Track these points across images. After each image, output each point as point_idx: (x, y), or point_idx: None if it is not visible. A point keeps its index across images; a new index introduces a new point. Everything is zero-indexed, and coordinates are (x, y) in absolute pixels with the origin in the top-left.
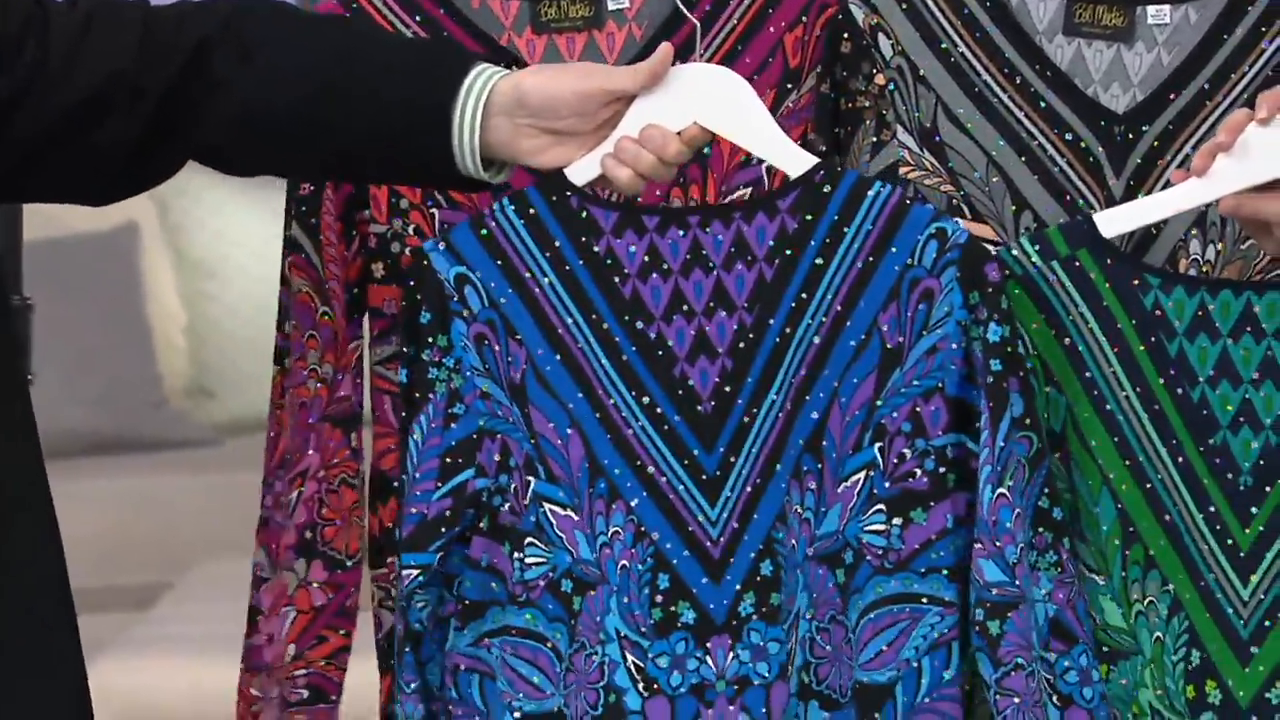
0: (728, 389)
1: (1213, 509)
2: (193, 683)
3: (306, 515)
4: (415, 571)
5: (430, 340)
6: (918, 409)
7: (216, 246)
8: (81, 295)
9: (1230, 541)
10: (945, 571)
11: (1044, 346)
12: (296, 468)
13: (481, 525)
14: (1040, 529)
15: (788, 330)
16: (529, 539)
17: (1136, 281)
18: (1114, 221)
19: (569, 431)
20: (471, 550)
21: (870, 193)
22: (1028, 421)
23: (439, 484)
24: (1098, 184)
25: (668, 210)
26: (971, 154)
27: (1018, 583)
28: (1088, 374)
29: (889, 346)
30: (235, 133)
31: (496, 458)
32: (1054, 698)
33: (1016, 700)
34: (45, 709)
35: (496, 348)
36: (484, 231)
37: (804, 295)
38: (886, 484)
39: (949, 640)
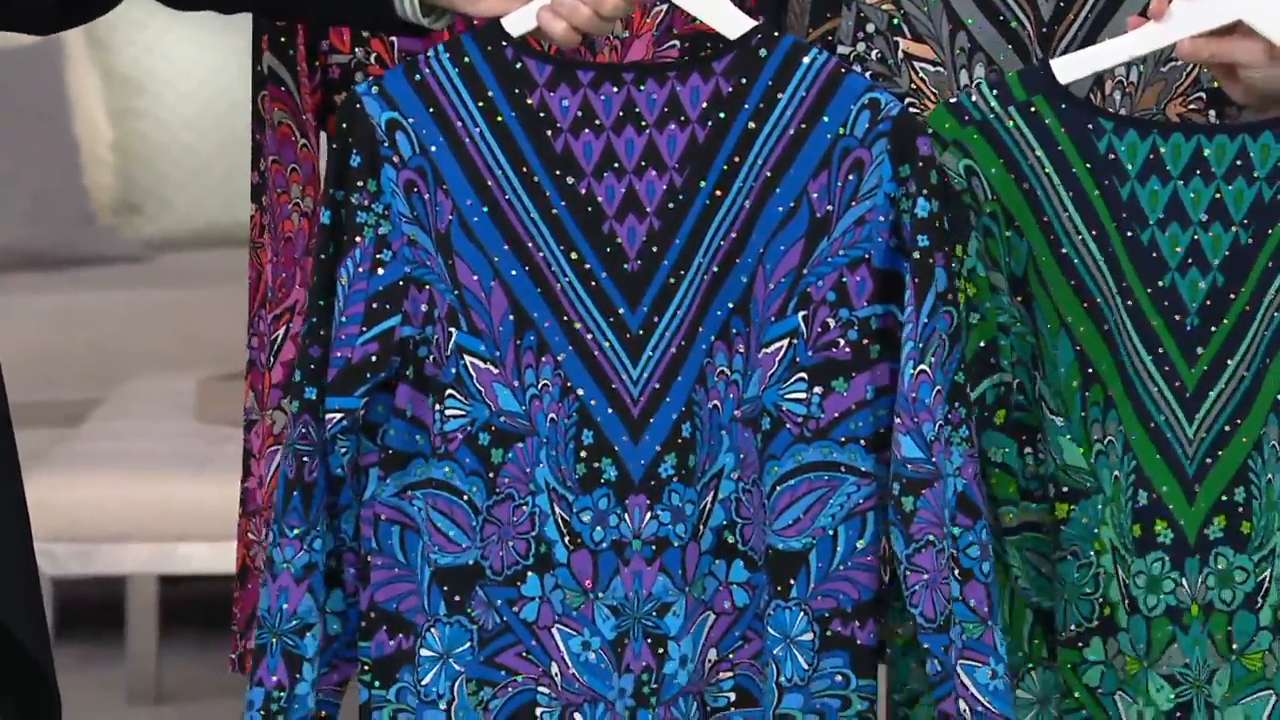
0: (654, 248)
1: (1161, 350)
2: (123, 497)
3: (295, 351)
4: (339, 416)
5: (359, 184)
6: (843, 279)
7: (143, 62)
8: (6, 110)
9: (1178, 382)
10: (863, 441)
11: (1003, 191)
12: (283, 304)
13: (408, 374)
14: (956, 404)
15: (718, 193)
16: (449, 391)
17: (1091, 126)
18: (1070, 67)
19: (493, 284)
20: (397, 399)
21: (805, 59)
22: (950, 296)
23: (364, 328)
24: (1028, 3)
25: (602, 66)
26: None
27: (934, 460)
28: (1045, 218)
29: (817, 215)
30: None
31: (423, 308)
32: (955, 571)
33: (925, 576)
34: None
35: (425, 196)
36: (418, 77)
37: (736, 159)
38: (809, 352)
39: (864, 510)
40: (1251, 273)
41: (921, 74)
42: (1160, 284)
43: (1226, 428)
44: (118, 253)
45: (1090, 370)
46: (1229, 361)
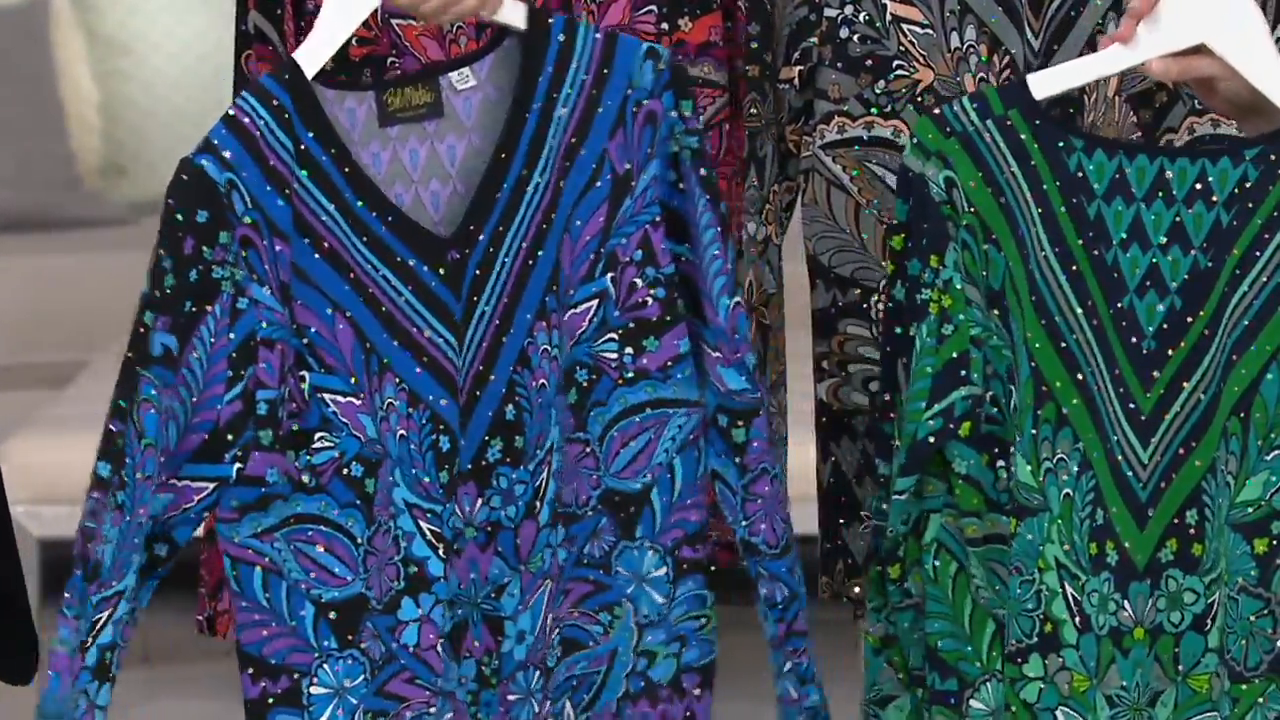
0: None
1: (1117, 371)
2: None
3: None
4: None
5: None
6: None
7: (129, 23)
8: None
9: (1133, 405)
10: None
11: (981, 204)
12: None
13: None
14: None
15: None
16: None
17: (1062, 144)
18: (1045, 83)
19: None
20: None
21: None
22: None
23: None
24: None
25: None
26: None
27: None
28: (1020, 232)
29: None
30: None
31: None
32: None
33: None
34: None
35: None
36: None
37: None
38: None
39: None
40: (1210, 297)
41: (910, 36)
42: (1120, 305)
43: (1181, 450)
44: (103, 215)
45: (1044, 388)
46: (1185, 385)
